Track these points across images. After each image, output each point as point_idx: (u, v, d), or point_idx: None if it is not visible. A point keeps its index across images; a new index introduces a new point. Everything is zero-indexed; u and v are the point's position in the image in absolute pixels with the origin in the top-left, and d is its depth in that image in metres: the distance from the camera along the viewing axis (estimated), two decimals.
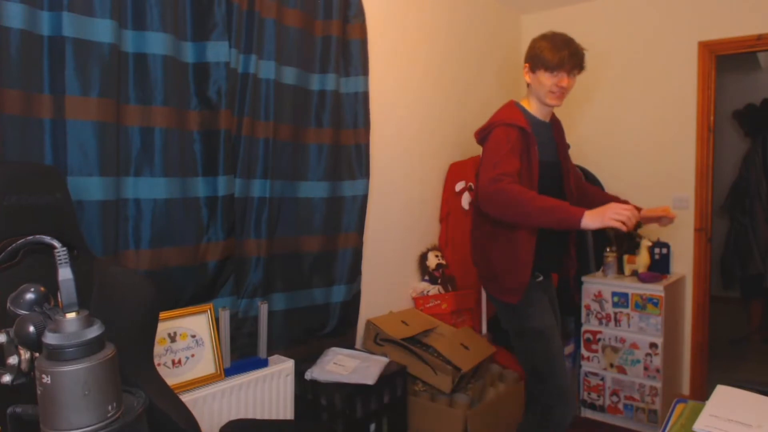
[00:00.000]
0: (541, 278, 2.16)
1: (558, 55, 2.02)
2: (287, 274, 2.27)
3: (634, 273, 3.17)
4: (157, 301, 1.17)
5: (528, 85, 2.17)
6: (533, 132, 2.07)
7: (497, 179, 1.90)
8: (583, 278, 3.18)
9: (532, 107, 2.17)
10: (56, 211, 1.03)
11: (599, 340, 3.12)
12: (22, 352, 0.69)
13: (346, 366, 2.23)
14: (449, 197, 3.18)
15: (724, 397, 1.33)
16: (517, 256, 2.05)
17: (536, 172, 2.06)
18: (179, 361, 1.83)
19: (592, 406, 3.17)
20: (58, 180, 1.06)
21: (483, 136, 2.15)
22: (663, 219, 2.16)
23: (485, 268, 2.17)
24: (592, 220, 1.78)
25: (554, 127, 2.26)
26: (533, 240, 2.06)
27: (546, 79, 2.07)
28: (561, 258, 2.26)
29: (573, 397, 2.11)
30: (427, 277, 3.07)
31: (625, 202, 2.23)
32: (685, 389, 3.40)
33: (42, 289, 0.72)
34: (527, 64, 2.13)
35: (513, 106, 2.16)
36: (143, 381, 1.07)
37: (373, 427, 2.21)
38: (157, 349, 1.78)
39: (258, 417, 1.98)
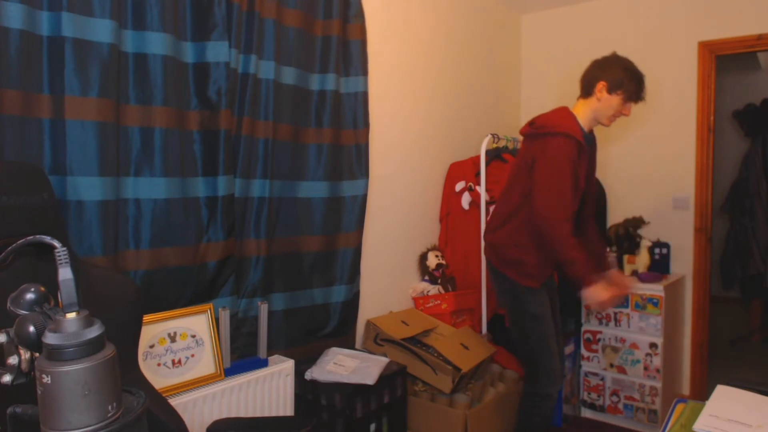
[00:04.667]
0: None
1: (643, 89, 2.19)
2: (287, 274, 2.27)
3: (634, 273, 3.17)
4: (141, 303, 1.17)
5: (587, 97, 2.22)
6: (585, 141, 2.19)
7: (566, 220, 2.07)
8: None
9: (584, 119, 2.23)
10: (44, 211, 1.03)
11: (599, 340, 3.12)
12: (22, 352, 0.69)
13: (346, 366, 2.23)
14: (449, 197, 3.18)
15: (724, 397, 1.33)
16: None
17: (583, 182, 2.21)
18: (179, 361, 1.83)
19: (592, 406, 3.17)
20: (44, 180, 1.06)
21: (540, 135, 2.19)
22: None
23: (512, 251, 2.25)
24: (590, 295, 2.07)
25: (591, 142, 2.35)
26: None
27: (618, 104, 2.18)
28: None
29: (561, 376, 2.35)
30: (427, 277, 3.07)
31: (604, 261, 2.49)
32: (685, 389, 3.40)
33: (42, 289, 0.72)
34: (605, 83, 2.17)
35: (572, 117, 2.21)
36: (128, 382, 1.07)
37: (373, 427, 2.21)
38: (157, 349, 1.79)
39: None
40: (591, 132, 2.32)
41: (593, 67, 2.25)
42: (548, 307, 2.30)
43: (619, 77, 2.16)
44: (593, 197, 2.45)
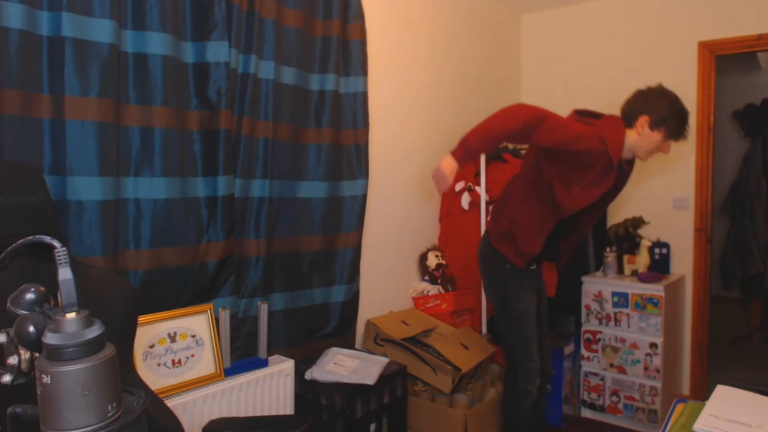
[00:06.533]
0: (534, 266, 2.36)
1: (686, 129, 2.08)
2: (287, 274, 2.27)
3: (634, 273, 3.17)
4: (136, 303, 1.17)
5: (626, 128, 2.11)
6: (619, 165, 2.11)
7: (535, 119, 1.96)
8: (583, 278, 3.18)
9: (626, 143, 2.13)
10: (40, 212, 1.03)
11: (599, 340, 3.11)
12: (22, 352, 0.69)
13: (346, 366, 2.23)
14: (449, 197, 3.18)
15: (724, 397, 1.33)
16: (540, 228, 2.22)
17: (596, 197, 2.13)
18: (179, 361, 1.83)
19: (592, 406, 3.17)
20: (40, 180, 1.06)
21: (581, 120, 2.16)
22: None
23: (509, 225, 2.26)
24: (448, 160, 2.00)
25: (628, 167, 2.27)
26: (552, 224, 2.22)
27: (658, 141, 2.08)
28: (556, 248, 2.38)
29: (538, 374, 2.34)
30: (427, 277, 3.07)
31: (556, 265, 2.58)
32: (685, 389, 3.39)
33: (42, 289, 0.72)
34: (648, 118, 2.06)
35: (622, 133, 2.10)
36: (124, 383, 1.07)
37: (373, 427, 2.21)
38: (157, 349, 1.78)
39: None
40: (630, 160, 2.22)
41: (637, 97, 2.12)
42: (533, 306, 2.32)
43: (663, 114, 2.04)
44: (595, 218, 2.42)
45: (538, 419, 2.49)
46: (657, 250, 3.24)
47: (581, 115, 2.21)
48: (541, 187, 2.18)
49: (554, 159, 2.10)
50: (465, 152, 1.99)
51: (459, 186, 3.12)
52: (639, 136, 2.09)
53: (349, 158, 2.46)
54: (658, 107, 2.06)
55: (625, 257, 3.23)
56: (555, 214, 2.20)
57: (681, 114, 2.07)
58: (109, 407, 0.63)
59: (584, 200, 2.12)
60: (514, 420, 2.35)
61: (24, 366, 0.69)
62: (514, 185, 2.32)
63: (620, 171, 2.18)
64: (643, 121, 2.07)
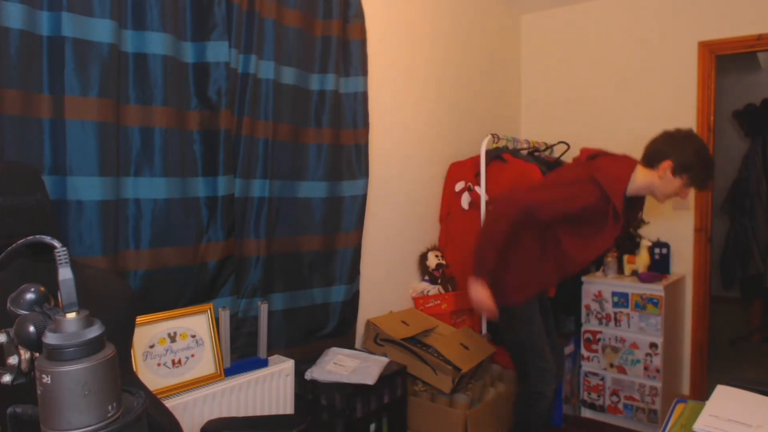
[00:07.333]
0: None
1: (710, 178, 2.03)
2: (287, 274, 2.27)
3: (634, 273, 3.17)
4: (134, 303, 1.17)
5: (647, 167, 2.06)
6: (624, 206, 2.07)
7: (511, 219, 2.00)
8: (583, 278, 3.17)
9: (638, 182, 2.08)
10: (39, 212, 1.03)
11: (599, 340, 3.11)
12: (22, 352, 0.69)
13: (346, 366, 2.22)
14: (449, 197, 3.18)
15: (724, 397, 1.33)
16: (536, 280, 2.21)
17: (609, 243, 2.10)
18: (179, 361, 1.83)
19: (592, 406, 3.17)
20: (38, 180, 1.06)
21: (584, 159, 2.14)
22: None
23: (503, 270, 2.20)
24: (473, 286, 2.07)
25: (637, 203, 2.23)
26: (553, 280, 2.22)
27: (678, 187, 2.03)
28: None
29: (554, 375, 2.29)
30: (427, 277, 3.07)
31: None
32: (685, 389, 3.40)
33: (42, 289, 0.71)
34: (672, 164, 1.99)
35: (625, 179, 2.06)
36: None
37: (373, 427, 2.21)
38: (157, 349, 1.79)
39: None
40: (640, 197, 2.17)
41: (664, 139, 2.05)
42: (536, 305, 2.29)
43: (688, 161, 1.98)
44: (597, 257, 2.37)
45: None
46: (657, 250, 3.24)
47: (592, 158, 2.16)
48: (545, 241, 2.14)
49: (564, 220, 2.08)
50: (481, 268, 2.05)
51: (459, 186, 3.12)
52: (660, 180, 2.03)
53: (349, 158, 2.46)
54: (683, 154, 1.99)
55: (625, 257, 3.22)
56: (560, 268, 2.17)
57: (706, 164, 1.99)
58: (109, 407, 0.63)
59: (597, 250, 2.11)
60: (525, 421, 2.32)
61: (24, 366, 0.69)
62: (516, 236, 2.21)
63: (630, 209, 2.13)
64: (666, 165, 2.00)
